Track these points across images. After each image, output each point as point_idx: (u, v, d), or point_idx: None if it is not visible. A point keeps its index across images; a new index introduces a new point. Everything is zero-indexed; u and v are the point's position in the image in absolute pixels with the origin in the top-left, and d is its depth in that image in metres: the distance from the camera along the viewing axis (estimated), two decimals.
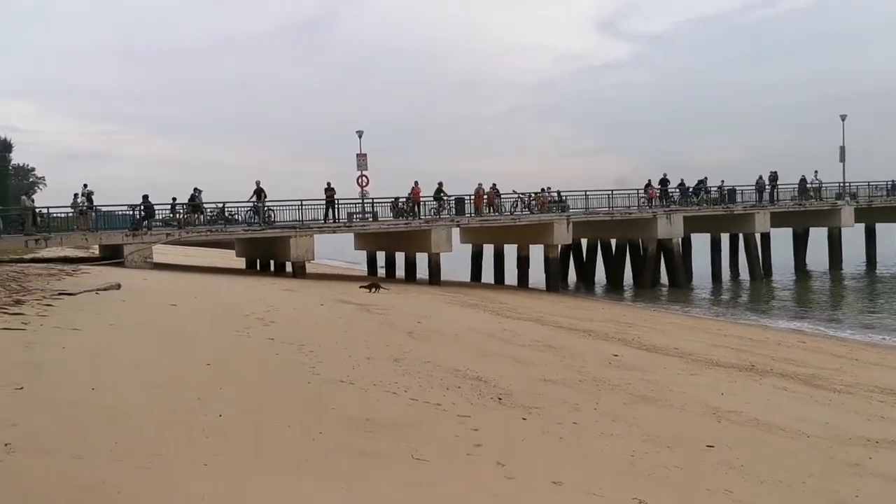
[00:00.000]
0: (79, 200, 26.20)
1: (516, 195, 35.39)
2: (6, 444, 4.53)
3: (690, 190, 38.87)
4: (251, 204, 28.79)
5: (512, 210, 34.77)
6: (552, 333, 17.02)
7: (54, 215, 26.64)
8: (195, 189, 28.42)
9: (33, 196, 29.34)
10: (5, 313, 10.46)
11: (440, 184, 33.10)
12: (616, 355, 13.70)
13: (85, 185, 26.80)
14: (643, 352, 14.88)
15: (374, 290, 23.05)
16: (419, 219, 32.18)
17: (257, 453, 5.24)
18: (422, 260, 32.99)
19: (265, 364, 9.23)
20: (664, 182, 38.13)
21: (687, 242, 38.92)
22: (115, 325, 10.74)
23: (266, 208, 29.03)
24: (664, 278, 36.99)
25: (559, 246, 34.36)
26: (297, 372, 8.82)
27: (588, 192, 35.99)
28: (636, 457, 6.89)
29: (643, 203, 36.78)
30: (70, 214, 26.46)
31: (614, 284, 37.79)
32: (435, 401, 8.10)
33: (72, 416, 5.55)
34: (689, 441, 7.77)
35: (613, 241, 39.22)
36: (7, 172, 67.03)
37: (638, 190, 37.26)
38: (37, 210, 25.63)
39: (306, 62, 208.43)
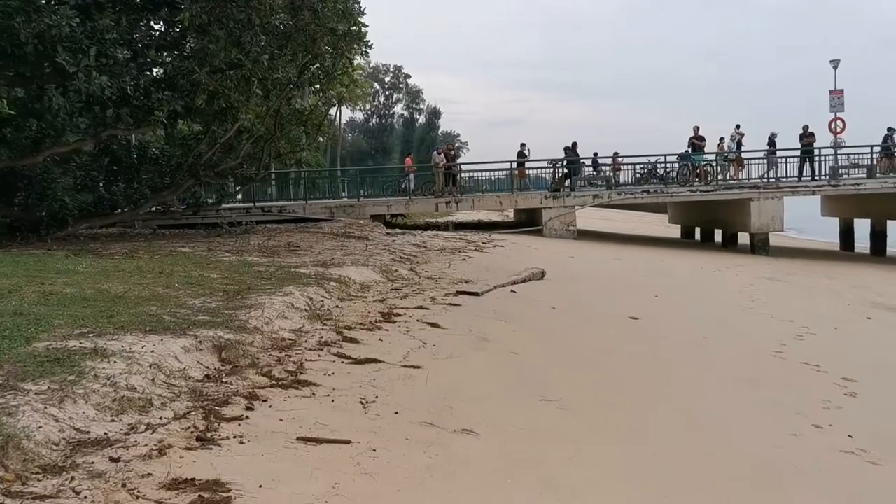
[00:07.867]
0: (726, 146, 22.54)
1: None
2: None
3: None
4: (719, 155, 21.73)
5: None
6: None
7: (474, 176, 23.02)
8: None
9: (453, 153, 25.16)
10: (340, 355, 5.33)
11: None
12: None
13: (737, 126, 22.88)
14: None
15: None
16: None
17: None
18: None
19: None
20: None
21: None
22: (544, 403, 4.89)
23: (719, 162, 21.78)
24: None
25: None
26: None
27: None
28: None
29: None
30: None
31: None
32: None
33: None
34: None
35: None
36: (436, 138, 70.49)
37: None
38: (454, 167, 21.91)
39: (725, 20, 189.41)
